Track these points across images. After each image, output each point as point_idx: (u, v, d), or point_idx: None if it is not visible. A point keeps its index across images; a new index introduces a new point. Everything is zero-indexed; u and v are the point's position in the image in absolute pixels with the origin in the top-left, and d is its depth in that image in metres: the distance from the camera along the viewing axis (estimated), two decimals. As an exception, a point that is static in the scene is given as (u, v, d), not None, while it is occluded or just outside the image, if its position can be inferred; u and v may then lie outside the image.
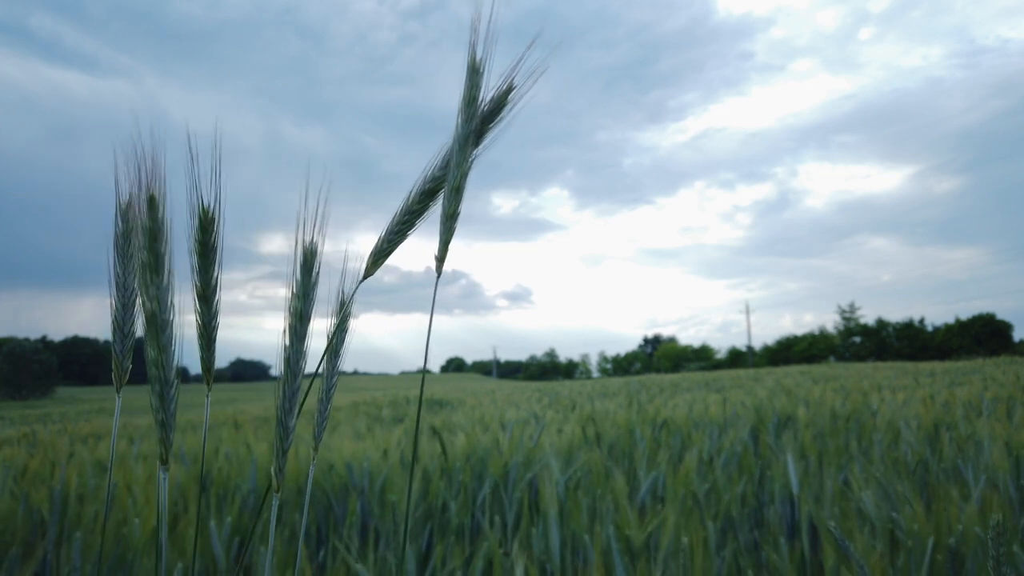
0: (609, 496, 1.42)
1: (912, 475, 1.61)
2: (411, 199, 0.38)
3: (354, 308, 0.38)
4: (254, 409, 6.08)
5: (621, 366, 56.61)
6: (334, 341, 0.38)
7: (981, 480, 1.43)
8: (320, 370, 0.38)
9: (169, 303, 0.34)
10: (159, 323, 0.34)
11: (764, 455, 1.86)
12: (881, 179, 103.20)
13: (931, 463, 1.63)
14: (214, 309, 0.36)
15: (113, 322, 0.35)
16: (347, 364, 0.40)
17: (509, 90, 0.37)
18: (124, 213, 0.34)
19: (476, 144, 0.37)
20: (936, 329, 39.23)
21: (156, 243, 0.33)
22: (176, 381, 0.35)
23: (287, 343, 0.35)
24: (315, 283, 0.36)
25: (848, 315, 43.08)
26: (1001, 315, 36.52)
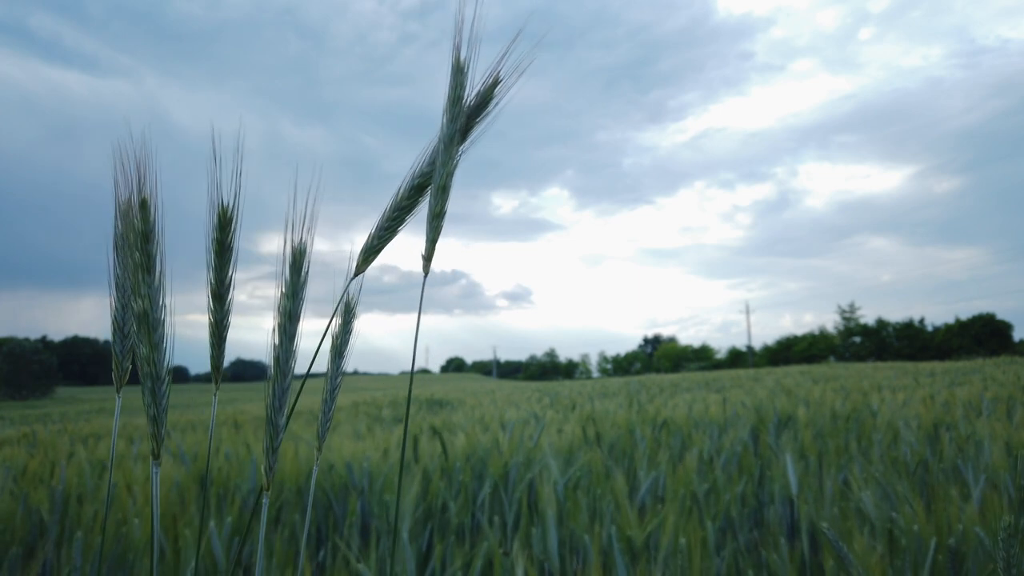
0: (609, 496, 1.42)
1: (912, 475, 1.61)
2: (400, 195, 0.38)
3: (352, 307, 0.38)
4: (254, 409, 6.08)
5: (621, 366, 56.61)
6: (339, 342, 0.38)
7: (981, 480, 1.43)
8: (323, 371, 0.39)
9: (160, 302, 0.35)
10: (151, 322, 0.34)
11: (764, 455, 1.86)
12: (881, 179, 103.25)
13: (931, 463, 1.63)
14: (227, 308, 0.37)
15: (113, 322, 0.36)
16: (347, 364, 0.40)
17: (495, 84, 0.37)
18: (124, 215, 0.35)
19: (462, 140, 0.37)
20: (936, 329, 39.23)
21: (148, 244, 0.34)
22: (167, 378, 0.35)
23: (276, 342, 0.36)
24: (304, 283, 0.36)
25: (848, 315, 43.09)
26: (1001, 315, 36.54)
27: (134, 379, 0.37)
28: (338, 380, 0.38)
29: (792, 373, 10.73)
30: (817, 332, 43.89)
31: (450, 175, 0.36)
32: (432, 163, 0.37)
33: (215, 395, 0.38)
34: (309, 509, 0.35)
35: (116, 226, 0.35)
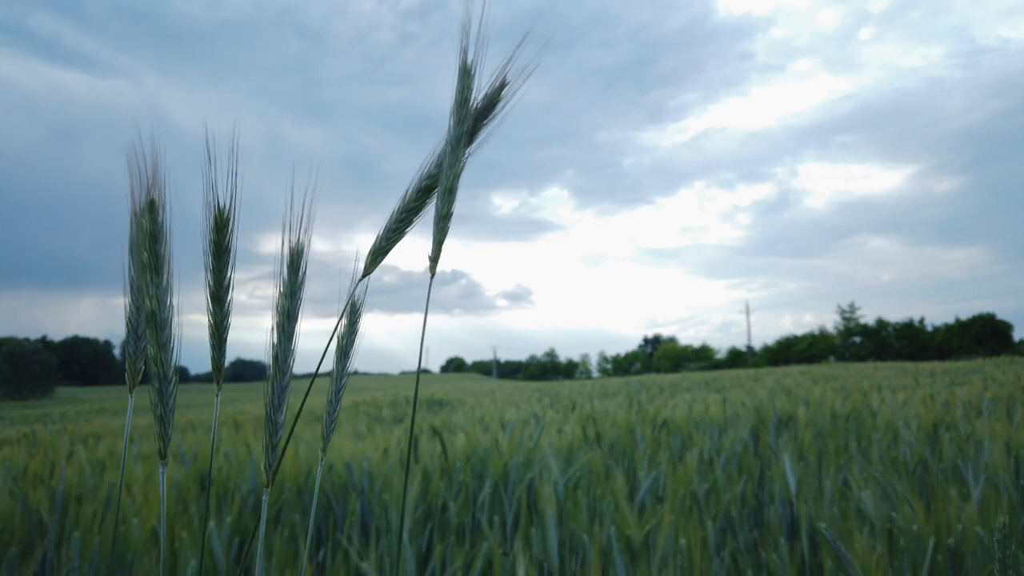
0: (609, 496, 1.43)
1: (912, 475, 1.61)
2: (408, 197, 0.38)
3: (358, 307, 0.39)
4: (254, 409, 6.08)
5: (621, 366, 56.61)
6: (344, 343, 0.38)
7: (981, 480, 1.43)
8: (324, 371, 0.39)
9: (168, 303, 0.35)
10: (159, 321, 0.35)
11: (764, 455, 1.86)
12: (881, 179, 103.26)
13: (931, 463, 1.63)
14: (226, 309, 0.37)
15: (127, 324, 0.37)
16: (352, 365, 0.40)
17: (502, 87, 0.37)
18: (138, 219, 0.35)
19: (469, 143, 0.37)
20: (936, 329, 39.23)
21: (156, 244, 0.35)
22: (174, 378, 0.36)
23: (275, 341, 0.36)
24: (302, 282, 0.37)
25: (848, 315, 43.09)
26: (1001, 315, 36.54)
27: (142, 380, 0.37)
28: (343, 380, 0.38)
29: (792, 373, 10.73)
30: (817, 332, 43.91)
31: (457, 177, 0.37)
32: (439, 165, 0.37)
33: (217, 396, 0.39)
34: (313, 509, 0.35)
35: (131, 231, 0.35)
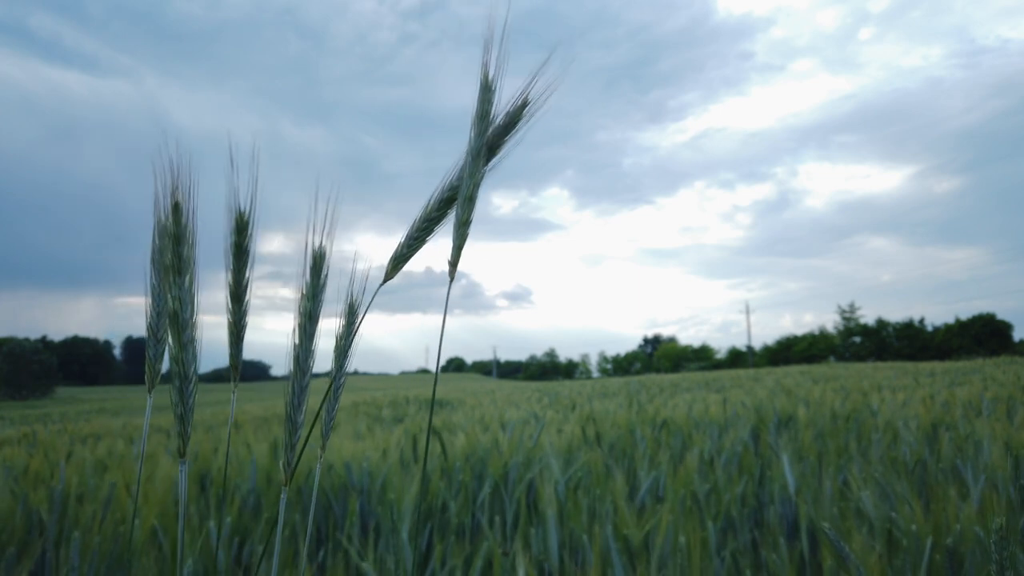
0: (609, 496, 1.43)
1: (911, 475, 1.61)
2: (430, 207, 0.40)
3: (358, 309, 0.39)
4: (255, 409, 6.08)
5: (621, 366, 56.59)
6: (342, 343, 0.39)
7: (980, 480, 1.43)
8: (327, 371, 0.40)
9: (189, 303, 0.37)
10: (181, 322, 0.36)
11: (765, 455, 1.86)
12: (881, 179, 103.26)
13: (930, 463, 1.63)
14: (244, 308, 0.39)
15: (148, 328, 0.38)
16: (350, 365, 0.41)
17: (524, 105, 0.39)
18: (161, 232, 0.37)
19: (490, 157, 0.39)
20: (936, 329, 39.22)
21: (180, 247, 0.36)
22: (195, 377, 0.37)
23: (297, 341, 0.38)
24: (323, 285, 0.38)
25: (848, 315, 43.08)
26: (1001, 315, 36.53)
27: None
28: (342, 380, 0.39)
29: (792, 373, 10.73)
30: (817, 332, 43.90)
31: (476, 187, 0.38)
32: (460, 177, 0.39)
33: (233, 393, 0.41)
34: (312, 509, 0.35)
35: (154, 241, 0.37)
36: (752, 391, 4.97)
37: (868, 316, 53.62)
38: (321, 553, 1.58)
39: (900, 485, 1.28)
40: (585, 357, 60.42)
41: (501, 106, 0.38)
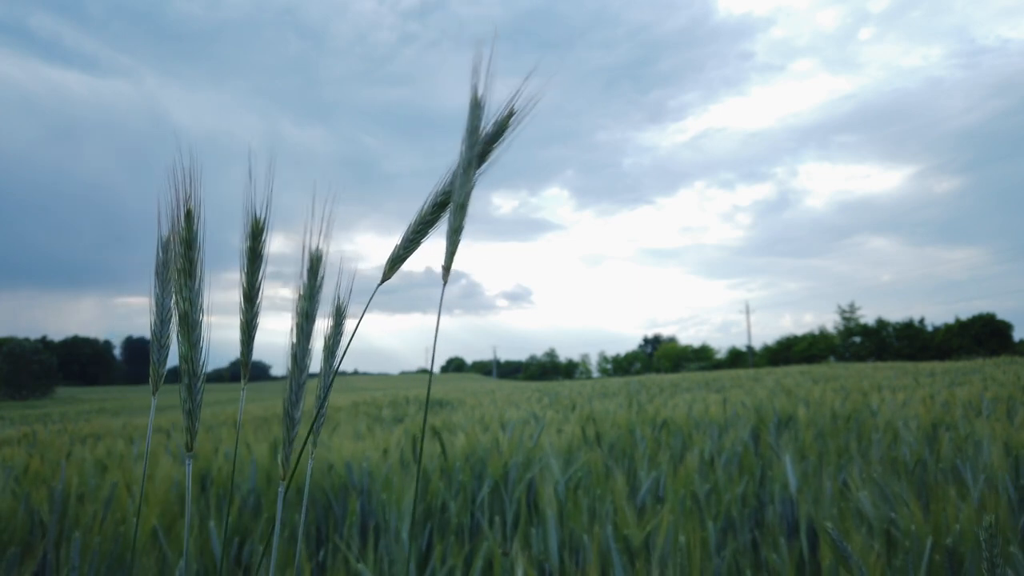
0: (609, 496, 1.43)
1: (910, 475, 1.61)
2: (424, 211, 0.41)
3: (355, 309, 0.41)
4: (254, 409, 6.08)
5: (621, 366, 56.61)
6: (331, 343, 0.41)
7: (980, 480, 1.43)
8: (316, 370, 0.40)
9: (199, 305, 0.39)
10: (190, 322, 0.38)
11: (765, 455, 1.86)
12: (881, 179, 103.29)
13: (929, 463, 1.63)
14: (256, 309, 0.41)
15: (152, 335, 0.40)
16: (347, 364, 0.42)
17: (510, 115, 0.40)
18: (165, 245, 0.39)
19: (479, 164, 0.40)
20: (936, 329, 39.24)
21: (190, 251, 0.39)
22: (203, 375, 0.39)
23: (294, 341, 0.39)
24: (320, 286, 0.40)
25: (848, 315, 43.10)
26: (1001, 315, 36.55)
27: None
28: (330, 379, 0.41)
29: (792, 373, 10.73)
30: (817, 332, 43.92)
31: (468, 195, 0.40)
32: (452, 183, 0.41)
33: (243, 391, 0.42)
34: (304, 504, 0.36)
35: (158, 255, 0.39)
36: (752, 391, 4.97)
37: (868, 316, 53.66)
38: (321, 553, 1.58)
39: (900, 485, 1.28)
40: (585, 357, 60.46)
41: (491, 113, 0.40)
